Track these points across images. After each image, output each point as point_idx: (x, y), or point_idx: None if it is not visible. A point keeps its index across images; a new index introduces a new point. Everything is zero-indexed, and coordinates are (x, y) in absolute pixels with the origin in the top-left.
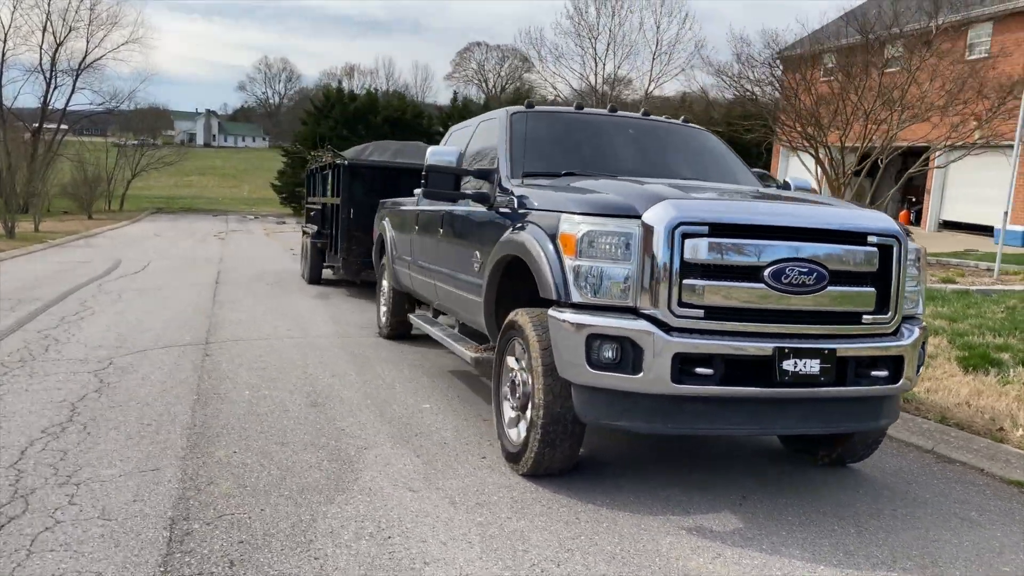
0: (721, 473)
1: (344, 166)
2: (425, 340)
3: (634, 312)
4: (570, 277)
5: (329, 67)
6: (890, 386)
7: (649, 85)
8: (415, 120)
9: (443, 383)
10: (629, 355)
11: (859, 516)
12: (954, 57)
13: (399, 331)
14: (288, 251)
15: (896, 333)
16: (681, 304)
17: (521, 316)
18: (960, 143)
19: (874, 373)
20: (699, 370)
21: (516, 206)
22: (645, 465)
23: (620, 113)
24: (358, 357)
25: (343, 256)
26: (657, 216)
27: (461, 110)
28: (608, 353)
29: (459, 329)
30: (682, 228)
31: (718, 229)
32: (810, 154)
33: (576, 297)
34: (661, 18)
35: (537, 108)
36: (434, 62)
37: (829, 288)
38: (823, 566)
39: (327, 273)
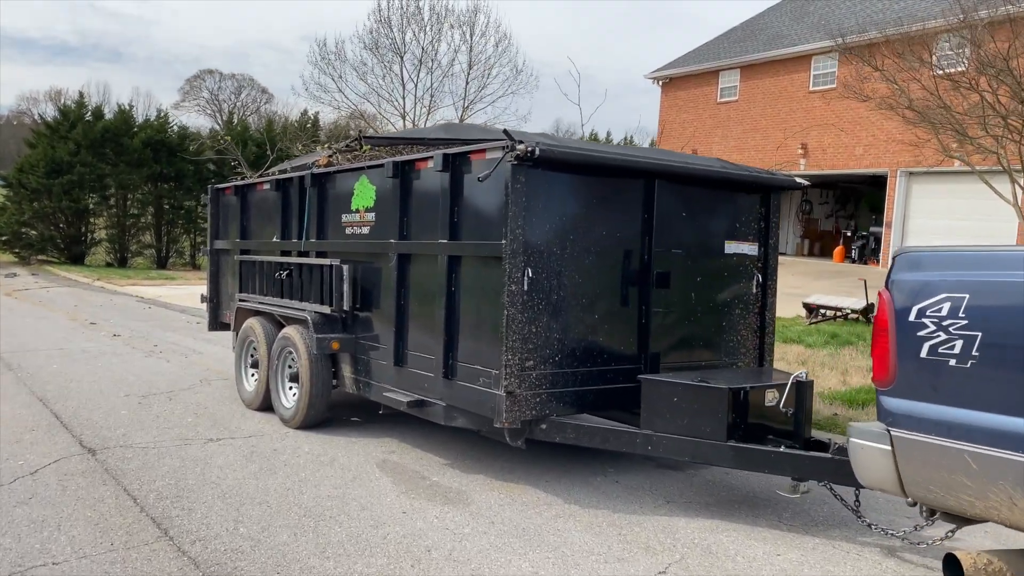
0: None
1: (536, 157)
2: None
3: None
4: None
5: (26, 91)
6: None
7: (463, 113)
8: (181, 143)
9: None
10: None
11: None
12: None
13: None
14: (87, 325)
15: None
16: None
17: None
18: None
19: None
20: None
21: None
22: None
23: None
24: None
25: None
26: None
27: (240, 133)
28: None
29: None
30: None
31: None
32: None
33: None
34: (475, 38)
35: None
36: (154, 90)
37: None
38: None
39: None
